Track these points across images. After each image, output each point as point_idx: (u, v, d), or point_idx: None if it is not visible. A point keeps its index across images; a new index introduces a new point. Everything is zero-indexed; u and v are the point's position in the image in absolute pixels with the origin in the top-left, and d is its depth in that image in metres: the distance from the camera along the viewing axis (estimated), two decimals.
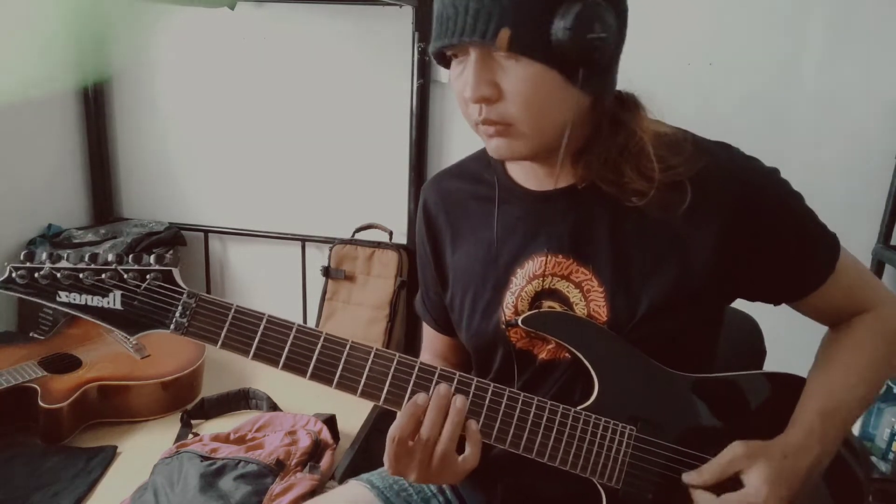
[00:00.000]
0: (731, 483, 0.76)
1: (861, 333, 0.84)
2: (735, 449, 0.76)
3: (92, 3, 1.73)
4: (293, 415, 1.51)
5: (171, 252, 0.77)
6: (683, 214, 0.77)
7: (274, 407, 1.60)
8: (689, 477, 0.77)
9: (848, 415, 0.81)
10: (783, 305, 0.87)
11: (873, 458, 1.69)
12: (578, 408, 0.78)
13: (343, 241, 2.01)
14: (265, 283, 2.22)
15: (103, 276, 0.71)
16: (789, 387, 0.84)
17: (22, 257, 0.72)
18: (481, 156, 0.91)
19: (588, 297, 0.81)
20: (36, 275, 0.71)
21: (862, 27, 1.67)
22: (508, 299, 0.84)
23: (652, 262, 0.79)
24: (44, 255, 0.72)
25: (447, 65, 0.77)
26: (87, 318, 0.72)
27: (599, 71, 0.72)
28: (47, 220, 2.03)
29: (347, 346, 0.75)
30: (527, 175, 0.86)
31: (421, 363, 0.76)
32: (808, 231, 0.82)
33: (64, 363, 1.56)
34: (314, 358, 0.74)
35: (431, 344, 1.04)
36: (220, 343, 0.74)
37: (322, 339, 0.74)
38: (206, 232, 2.18)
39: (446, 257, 0.93)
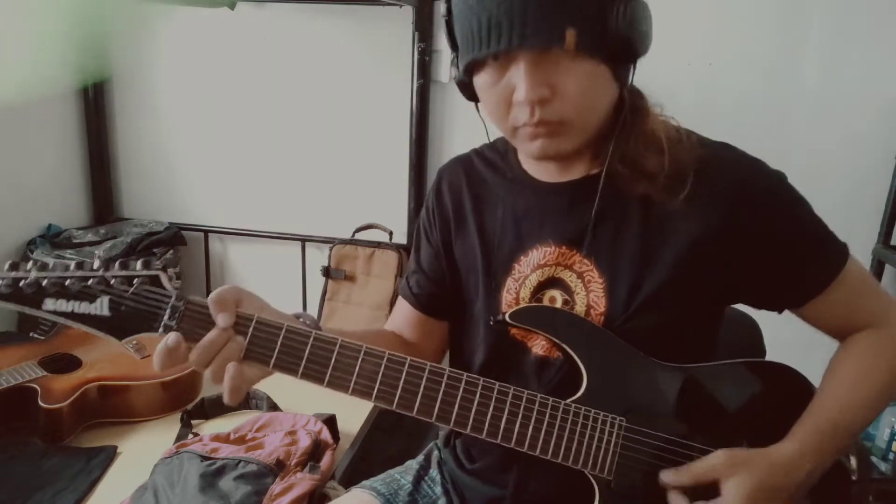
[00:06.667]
0: (708, 489, 0.75)
1: (867, 350, 0.83)
2: (718, 456, 0.76)
3: (92, 4, 1.73)
4: (293, 415, 1.51)
5: (170, 252, 0.77)
6: (685, 201, 0.78)
7: (274, 407, 1.60)
8: (665, 475, 0.77)
9: (846, 432, 0.80)
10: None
11: (873, 458, 1.69)
12: (568, 400, 0.79)
13: (343, 241, 2.01)
14: (265, 283, 2.22)
15: (90, 282, 0.71)
16: (778, 375, 0.85)
17: (7, 267, 0.71)
18: (497, 145, 0.94)
19: (588, 288, 0.82)
20: (21, 283, 0.70)
21: (862, 27, 1.67)
22: (511, 285, 0.86)
23: (651, 255, 0.80)
24: (29, 265, 0.71)
25: (470, 75, 0.77)
26: (75, 325, 0.72)
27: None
28: (47, 220, 2.03)
29: (337, 346, 0.74)
30: (538, 167, 0.87)
31: (411, 360, 0.75)
32: (811, 235, 0.82)
33: (64, 363, 1.55)
34: (304, 357, 0.73)
35: (396, 319, 1.02)
36: None
37: (312, 338, 0.74)
38: (206, 232, 2.18)
39: (454, 239, 0.94)
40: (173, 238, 2.11)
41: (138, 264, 0.73)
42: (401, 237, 2.03)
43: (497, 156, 0.93)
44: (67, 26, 1.67)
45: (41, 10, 1.61)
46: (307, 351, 0.73)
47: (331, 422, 1.49)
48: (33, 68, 1.68)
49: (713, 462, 0.76)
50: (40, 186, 2.02)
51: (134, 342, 1.72)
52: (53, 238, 1.97)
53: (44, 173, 2.03)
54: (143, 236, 2.02)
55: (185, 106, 2.12)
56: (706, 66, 1.76)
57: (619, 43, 0.70)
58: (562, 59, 0.71)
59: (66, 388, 1.45)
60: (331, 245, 2.02)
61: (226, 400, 0.72)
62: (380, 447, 1.62)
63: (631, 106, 0.80)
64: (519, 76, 0.71)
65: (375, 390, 0.74)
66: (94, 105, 2.10)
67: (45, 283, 0.70)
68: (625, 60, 0.74)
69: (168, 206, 2.21)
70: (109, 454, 1.41)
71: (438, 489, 1.00)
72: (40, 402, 1.40)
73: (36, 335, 1.83)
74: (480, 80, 0.77)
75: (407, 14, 1.84)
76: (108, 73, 2.08)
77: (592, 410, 0.78)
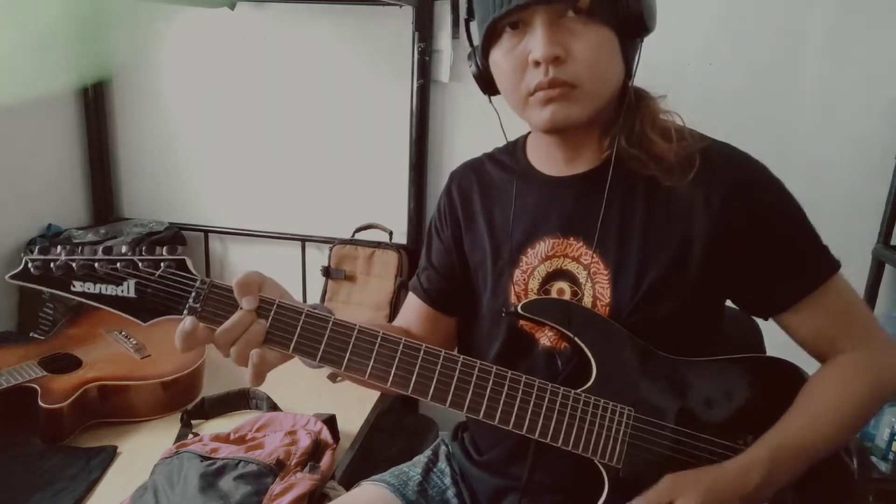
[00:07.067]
0: None
1: (846, 375, 0.83)
2: (665, 481, 0.77)
3: (92, 3, 1.73)
4: (293, 415, 1.51)
5: (179, 248, 0.79)
6: (691, 185, 0.80)
7: (274, 407, 1.60)
8: None
9: (809, 453, 0.80)
10: None
11: (873, 458, 1.69)
12: (578, 390, 0.80)
13: (343, 241, 2.01)
14: None
15: (118, 265, 0.73)
16: (783, 370, 0.86)
17: (38, 250, 0.74)
18: (506, 147, 0.98)
19: (594, 280, 0.84)
20: (52, 265, 0.73)
21: (862, 27, 1.67)
22: (519, 277, 0.89)
23: (654, 247, 0.82)
24: (58, 248, 0.74)
25: (488, 48, 0.81)
26: (102, 307, 0.74)
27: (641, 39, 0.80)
28: (47, 220, 2.03)
29: (355, 331, 0.76)
30: (547, 161, 0.90)
31: (426, 346, 0.77)
32: (802, 238, 0.83)
33: (64, 363, 1.55)
34: (324, 342, 0.75)
35: (405, 314, 1.05)
36: None
37: (331, 322, 0.76)
38: (206, 232, 2.18)
39: (464, 235, 0.97)
40: (173, 238, 2.11)
41: (164, 250, 0.76)
42: (401, 237, 2.03)
43: (506, 155, 0.97)
44: (68, 26, 1.67)
45: (41, 9, 1.61)
46: (326, 335, 0.75)
47: (331, 422, 1.49)
48: (34, 68, 1.68)
49: (661, 488, 0.77)
50: (40, 186, 2.01)
51: (134, 342, 1.72)
52: (53, 238, 1.97)
53: (44, 173, 2.03)
54: (143, 236, 2.02)
55: (185, 106, 2.12)
56: (706, 66, 1.76)
57: (630, 13, 0.75)
58: (575, 26, 0.75)
59: (66, 388, 1.45)
60: (331, 245, 2.02)
61: (250, 382, 0.74)
62: (380, 447, 1.63)
63: (635, 91, 0.84)
64: (535, 38, 0.75)
65: (392, 375, 0.76)
66: (94, 105, 2.10)
67: (74, 265, 0.73)
68: (633, 33, 0.78)
69: (168, 206, 2.21)
70: (109, 454, 1.41)
71: (448, 480, 1.02)
72: (40, 402, 1.40)
73: (36, 335, 1.83)
74: (497, 53, 0.80)
75: (407, 14, 1.84)
76: (108, 73, 2.08)
77: (602, 400, 0.80)
